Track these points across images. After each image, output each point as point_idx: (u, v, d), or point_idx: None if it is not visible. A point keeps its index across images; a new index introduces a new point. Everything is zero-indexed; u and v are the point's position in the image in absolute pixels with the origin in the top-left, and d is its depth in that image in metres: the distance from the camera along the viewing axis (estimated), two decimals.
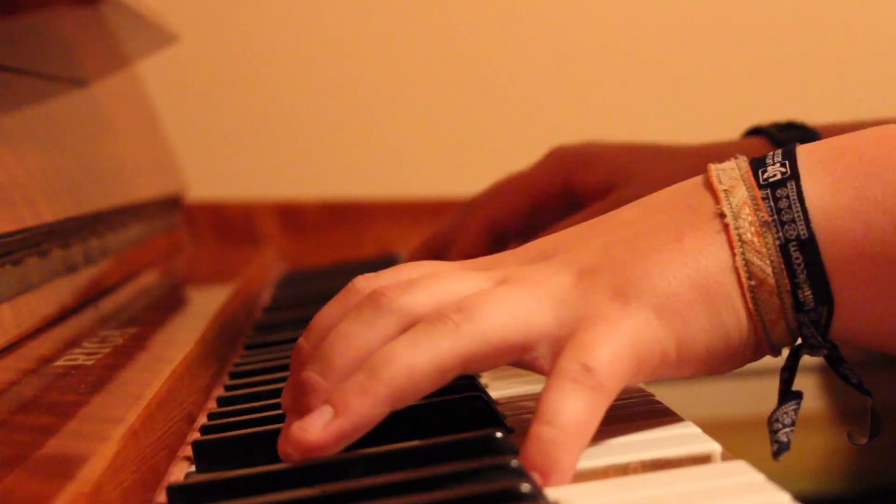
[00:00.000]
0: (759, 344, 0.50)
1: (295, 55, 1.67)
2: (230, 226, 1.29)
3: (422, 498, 0.43)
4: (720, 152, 0.72)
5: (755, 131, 0.78)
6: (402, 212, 1.29)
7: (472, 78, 1.69)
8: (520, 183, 0.78)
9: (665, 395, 0.56)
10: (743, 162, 0.52)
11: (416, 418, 0.53)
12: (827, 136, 0.68)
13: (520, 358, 0.49)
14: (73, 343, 0.67)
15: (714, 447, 0.48)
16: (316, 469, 0.47)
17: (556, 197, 0.77)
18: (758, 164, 0.51)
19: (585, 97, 1.71)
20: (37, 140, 0.76)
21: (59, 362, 0.62)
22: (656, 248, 0.50)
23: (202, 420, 0.60)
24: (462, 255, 0.73)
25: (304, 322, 0.82)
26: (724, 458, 0.47)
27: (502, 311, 0.48)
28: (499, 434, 0.48)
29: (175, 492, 0.48)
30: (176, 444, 0.55)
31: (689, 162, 0.72)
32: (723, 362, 0.50)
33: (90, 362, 0.61)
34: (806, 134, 0.75)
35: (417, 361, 0.47)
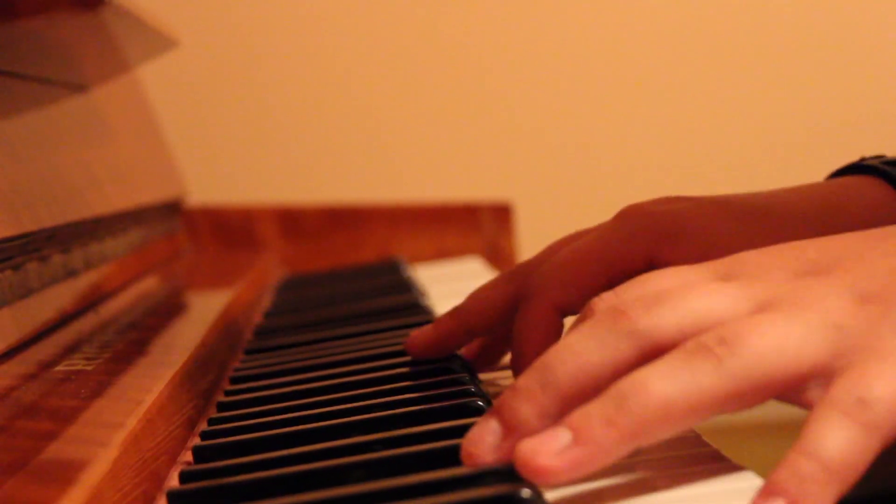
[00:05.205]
0: None
1: (295, 61, 1.67)
2: (230, 231, 1.29)
3: (422, 503, 0.43)
4: (832, 205, 0.62)
5: (852, 168, 0.65)
6: (401, 217, 1.29)
7: (472, 84, 1.69)
8: (592, 259, 0.62)
9: None
10: None
11: (416, 422, 0.53)
12: None
13: (785, 394, 0.44)
14: (73, 348, 0.67)
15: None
16: (316, 474, 0.47)
17: (635, 275, 0.60)
18: None
19: (586, 105, 1.71)
20: (37, 145, 0.76)
21: (60, 367, 0.62)
22: None
23: (202, 425, 0.60)
24: (530, 351, 0.59)
25: (303, 327, 0.82)
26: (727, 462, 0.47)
27: (770, 343, 0.43)
28: None
29: (175, 497, 0.48)
30: (176, 449, 0.55)
31: (800, 227, 0.61)
32: None
33: (90, 367, 0.61)
34: None
35: (673, 397, 0.42)
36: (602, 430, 0.42)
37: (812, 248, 0.47)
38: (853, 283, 0.44)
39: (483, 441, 0.44)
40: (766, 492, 0.40)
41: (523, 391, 0.44)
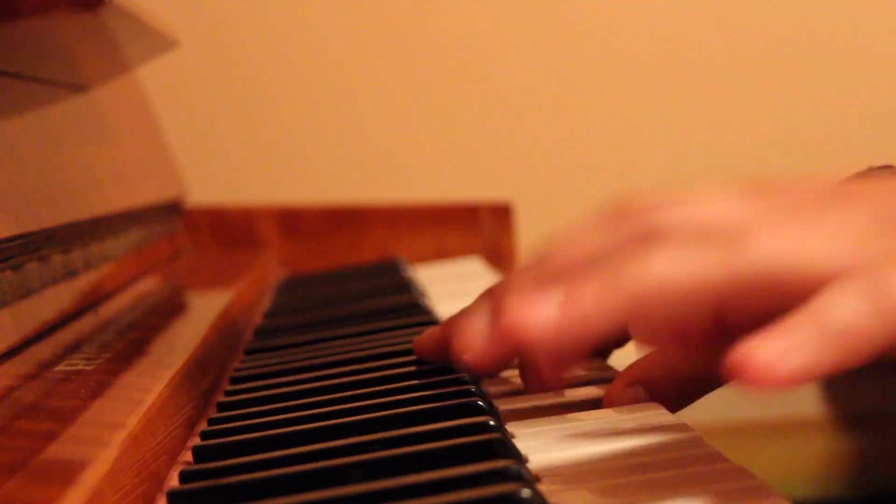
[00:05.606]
0: None
1: (295, 61, 1.67)
2: (230, 231, 1.29)
3: (422, 503, 0.43)
4: None
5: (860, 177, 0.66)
6: (401, 217, 1.29)
7: (472, 84, 1.69)
8: None
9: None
10: None
11: (416, 422, 0.53)
12: None
13: (794, 301, 0.40)
14: (73, 348, 0.67)
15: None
16: (316, 474, 0.47)
17: None
18: None
19: (586, 105, 1.71)
20: (37, 145, 0.76)
21: (60, 367, 0.62)
22: None
23: (202, 425, 0.60)
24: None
25: (303, 327, 0.82)
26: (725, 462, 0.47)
27: (784, 244, 0.40)
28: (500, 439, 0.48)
29: (175, 497, 0.48)
30: (176, 449, 0.55)
31: None
32: None
33: (90, 367, 0.61)
34: None
35: (671, 274, 0.40)
36: (593, 291, 0.40)
37: (832, 185, 0.45)
38: (873, 209, 0.43)
39: (473, 326, 0.42)
40: (766, 334, 0.39)
41: (519, 276, 0.42)
